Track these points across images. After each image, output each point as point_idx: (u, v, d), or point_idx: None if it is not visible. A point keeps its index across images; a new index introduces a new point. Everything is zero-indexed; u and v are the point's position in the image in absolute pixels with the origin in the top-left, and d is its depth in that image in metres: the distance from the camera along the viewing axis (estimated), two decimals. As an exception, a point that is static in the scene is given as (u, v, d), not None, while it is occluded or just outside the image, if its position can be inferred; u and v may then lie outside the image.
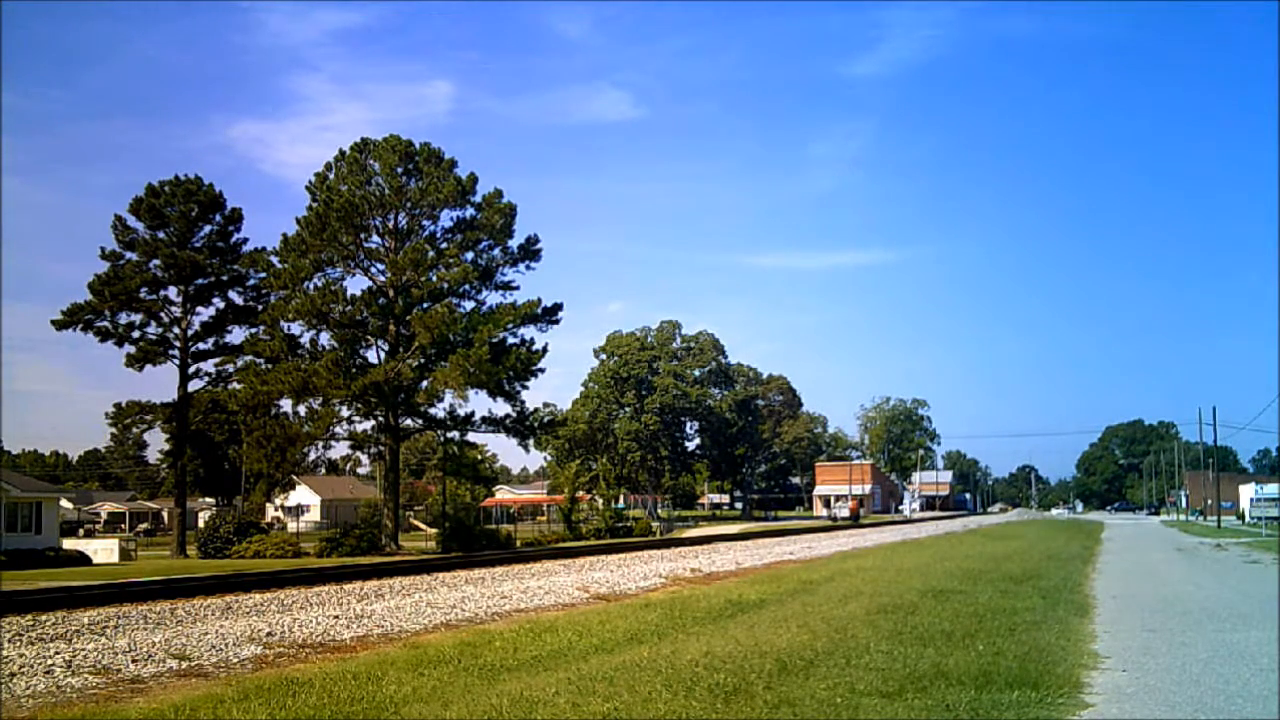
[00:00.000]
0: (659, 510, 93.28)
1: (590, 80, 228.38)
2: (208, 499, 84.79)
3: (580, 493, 69.46)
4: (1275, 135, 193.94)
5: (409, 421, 51.40)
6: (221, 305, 51.16)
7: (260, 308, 49.92)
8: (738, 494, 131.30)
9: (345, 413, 48.68)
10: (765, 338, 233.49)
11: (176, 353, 49.68)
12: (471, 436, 56.14)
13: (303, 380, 44.94)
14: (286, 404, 48.29)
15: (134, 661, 11.73)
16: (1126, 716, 8.23)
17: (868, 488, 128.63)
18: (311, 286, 47.08)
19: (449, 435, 54.17)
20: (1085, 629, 13.47)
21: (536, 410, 56.79)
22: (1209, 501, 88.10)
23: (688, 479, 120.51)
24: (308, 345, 48.46)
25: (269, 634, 13.89)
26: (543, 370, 50.36)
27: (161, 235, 49.51)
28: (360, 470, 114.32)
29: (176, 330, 49.80)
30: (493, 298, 50.71)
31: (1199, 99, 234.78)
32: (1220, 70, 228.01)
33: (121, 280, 47.89)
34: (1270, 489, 75.38)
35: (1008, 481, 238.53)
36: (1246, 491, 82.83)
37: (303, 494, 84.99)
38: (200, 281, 50.00)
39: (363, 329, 48.71)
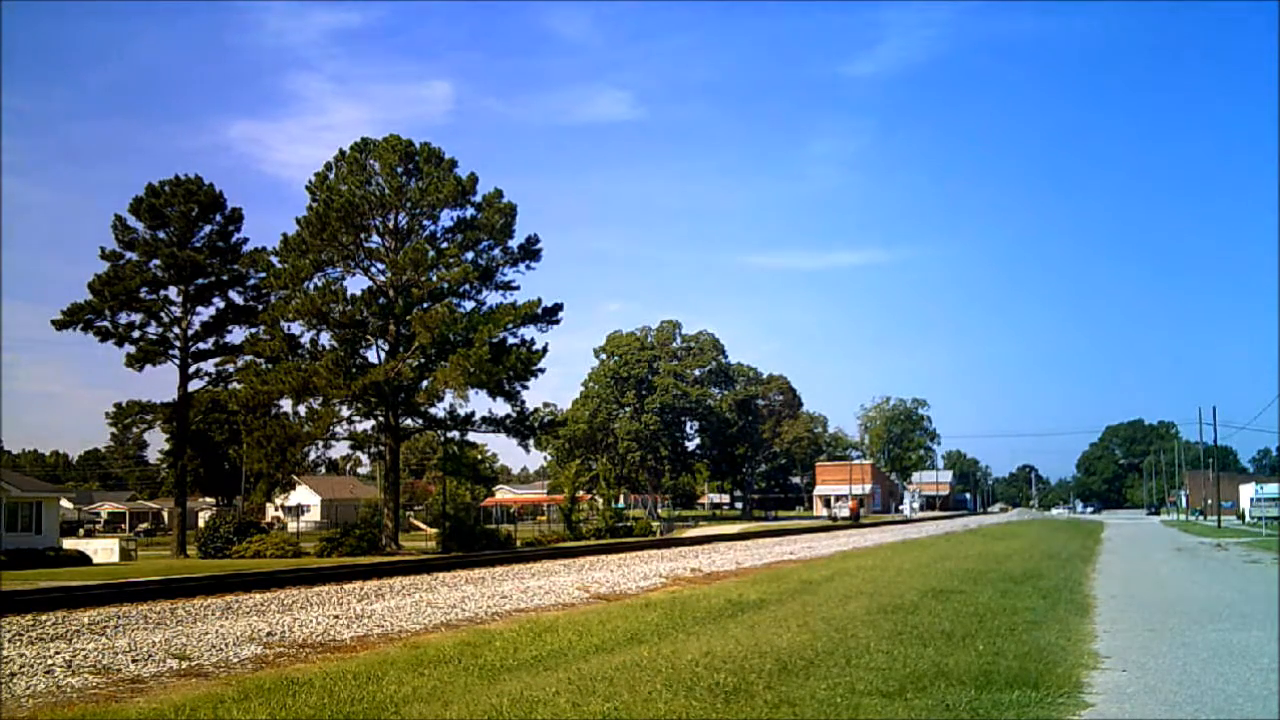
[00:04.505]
0: (659, 510, 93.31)
1: (590, 80, 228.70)
2: (208, 499, 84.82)
3: (580, 493, 69.46)
4: (1275, 133, 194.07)
5: (409, 421, 51.40)
6: (221, 305, 51.27)
7: (260, 308, 49.93)
8: (738, 494, 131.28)
9: (345, 413, 48.70)
10: (765, 338, 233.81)
11: (176, 353, 49.71)
12: (471, 436, 56.20)
13: (303, 380, 44.95)
14: (286, 404, 48.36)
15: (134, 661, 11.72)
16: (1126, 716, 8.23)
17: (868, 487, 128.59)
18: (311, 286, 47.09)
19: (449, 435, 54.18)
20: (1085, 629, 13.47)
21: (536, 410, 56.87)
22: (1209, 501, 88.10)
23: (688, 479, 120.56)
24: (308, 345, 48.51)
25: (269, 634, 13.88)
26: (543, 370, 50.44)
27: (161, 235, 49.53)
28: (360, 470, 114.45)
29: (176, 330, 49.83)
30: (493, 298, 50.79)
31: (1199, 98, 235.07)
32: (1220, 68, 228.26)
33: (121, 280, 47.89)
34: (1270, 489, 75.43)
35: (1008, 481, 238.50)
36: (1246, 491, 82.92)
37: (303, 494, 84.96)
38: (200, 281, 50.02)
39: (363, 329, 48.70)
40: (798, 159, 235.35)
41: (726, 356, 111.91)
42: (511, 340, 49.65)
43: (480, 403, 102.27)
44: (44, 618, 15.87)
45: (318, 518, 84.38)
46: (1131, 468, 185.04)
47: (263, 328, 48.38)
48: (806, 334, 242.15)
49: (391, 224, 48.72)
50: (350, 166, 48.07)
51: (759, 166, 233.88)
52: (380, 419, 49.30)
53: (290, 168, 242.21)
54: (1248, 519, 74.87)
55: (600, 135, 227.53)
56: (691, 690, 8.67)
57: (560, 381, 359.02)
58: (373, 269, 48.78)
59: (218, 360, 51.15)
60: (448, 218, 49.39)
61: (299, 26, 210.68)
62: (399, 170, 47.98)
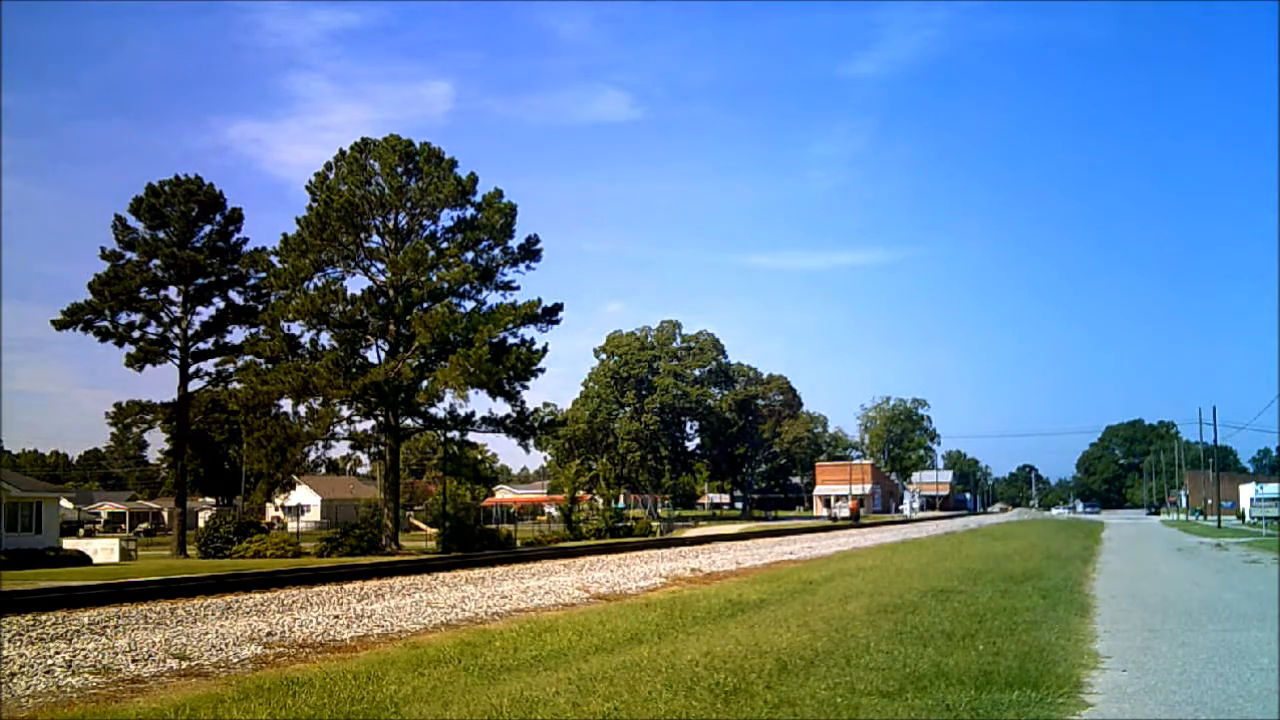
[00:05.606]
0: (659, 510, 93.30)
1: (590, 80, 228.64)
2: (208, 499, 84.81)
3: (580, 493, 69.50)
4: (1275, 133, 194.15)
5: (409, 421, 51.41)
6: (221, 305, 51.30)
7: (260, 308, 49.95)
8: (738, 494, 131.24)
9: (345, 413, 48.74)
10: (765, 338, 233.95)
11: (176, 353, 49.72)
12: (471, 436, 56.33)
13: (303, 380, 44.95)
14: (286, 404, 48.43)
15: (134, 661, 11.72)
16: (1126, 716, 8.22)
17: (868, 488, 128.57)
18: (311, 286, 47.13)
19: (449, 435, 54.22)
20: (1085, 629, 13.45)
21: (536, 410, 56.90)
22: (1209, 501, 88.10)
23: (688, 479, 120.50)
24: (308, 345, 48.57)
25: (269, 634, 13.88)
26: (543, 370, 50.50)
27: (161, 235, 49.54)
28: (360, 470, 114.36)
29: (176, 330, 49.85)
30: (493, 298, 50.86)
31: (1198, 97, 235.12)
32: (1219, 68, 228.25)
33: (121, 280, 47.90)
34: (1270, 489, 75.30)
35: (1008, 481, 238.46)
36: (1246, 491, 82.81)
37: (303, 494, 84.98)
38: (200, 281, 50.03)
39: (363, 329, 48.72)
40: (798, 159, 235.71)
41: (726, 356, 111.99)
42: (511, 340, 49.72)
43: (480, 403, 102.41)
44: (44, 618, 15.86)
45: (318, 518, 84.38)
46: (1131, 468, 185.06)
47: (263, 328, 48.41)
48: (806, 334, 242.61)
49: (391, 224, 48.73)
50: (350, 166, 48.10)
51: (759, 166, 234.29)
52: (380, 419, 49.30)
53: (290, 168, 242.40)
54: (1248, 519, 74.84)
55: (600, 135, 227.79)
56: (691, 690, 8.67)
57: (560, 381, 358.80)
58: (373, 269, 48.86)
59: (218, 360, 51.21)
60: (448, 218, 49.53)
61: (299, 27, 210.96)
62: (399, 170, 48.00)
